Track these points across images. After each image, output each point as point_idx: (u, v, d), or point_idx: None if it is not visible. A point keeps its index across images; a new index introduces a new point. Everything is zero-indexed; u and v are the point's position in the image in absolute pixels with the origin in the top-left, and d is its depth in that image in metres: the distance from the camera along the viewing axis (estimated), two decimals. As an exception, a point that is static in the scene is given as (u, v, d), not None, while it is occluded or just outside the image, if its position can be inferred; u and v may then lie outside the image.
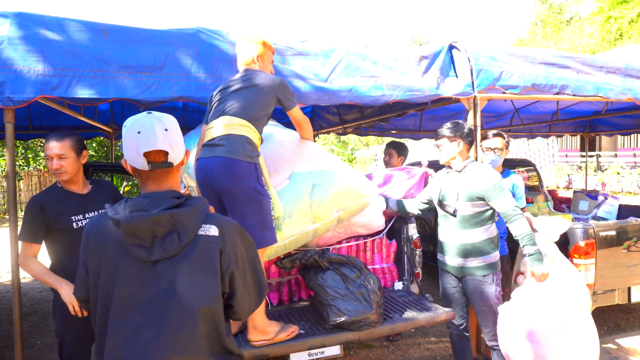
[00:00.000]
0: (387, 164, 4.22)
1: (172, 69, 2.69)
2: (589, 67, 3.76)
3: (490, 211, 2.69)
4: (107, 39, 2.64)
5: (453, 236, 2.74)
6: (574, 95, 3.71)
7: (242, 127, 2.32)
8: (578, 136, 13.59)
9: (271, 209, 2.36)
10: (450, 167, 2.82)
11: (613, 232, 3.49)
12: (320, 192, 2.63)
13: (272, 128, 3.09)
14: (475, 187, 2.63)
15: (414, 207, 3.05)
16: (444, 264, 2.86)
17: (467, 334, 2.90)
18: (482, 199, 2.63)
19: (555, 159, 17.72)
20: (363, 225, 3.08)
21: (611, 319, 4.17)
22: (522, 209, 3.21)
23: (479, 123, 3.40)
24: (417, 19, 74.58)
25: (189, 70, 2.73)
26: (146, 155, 1.31)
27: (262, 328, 2.31)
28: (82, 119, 4.58)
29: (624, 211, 4.65)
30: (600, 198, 4.65)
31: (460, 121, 2.82)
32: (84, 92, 2.52)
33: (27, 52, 2.46)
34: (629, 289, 3.60)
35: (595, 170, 16.29)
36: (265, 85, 2.41)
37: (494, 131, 3.35)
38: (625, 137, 15.67)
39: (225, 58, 2.81)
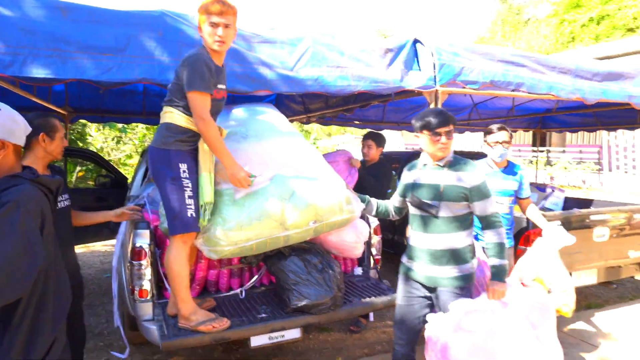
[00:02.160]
0: (366, 155, 4.17)
1: (134, 51, 2.62)
2: (543, 66, 3.96)
3: (471, 215, 2.39)
4: (65, 18, 2.53)
5: (429, 241, 2.35)
6: (528, 92, 3.90)
7: (165, 114, 2.43)
8: (530, 132, 14.18)
9: (190, 196, 2.33)
10: (430, 160, 2.42)
11: (558, 222, 3.73)
12: (299, 199, 2.54)
13: (274, 122, 3.05)
14: (459, 185, 2.30)
15: (393, 211, 2.70)
16: (411, 270, 2.44)
17: (414, 354, 2.50)
18: (466, 200, 2.31)
19: (510, 153, 18.49)
20: (339, 249, 2.99)
21: (554, 304, 4.45)
22: (526, 198, 3.26)
23: (439, 116, 3.52)
24: (382, 12, 75.13)
25: (153, 53, 2.67)
26: None
27: (184, 315, 2.36)
28: (35, 100, 4.37)
29: (569, 203, 4.96)
30: (548, 190, 4.94)
31: (441, 108, 2.54)
32: (39, 72, 2.42)
33: (-23, 28, 2.33)
34: (570, 274, 3.87)
35: (545, 165, 17.14)
36: (178, 65, 2.37)
37: (498, 125, 3.28)
38: (573, 134, 16.55)
39: (190, 42, 2.75)
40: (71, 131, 12.01)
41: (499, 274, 2.27)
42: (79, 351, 2.34)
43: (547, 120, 8.27)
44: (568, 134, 16.96)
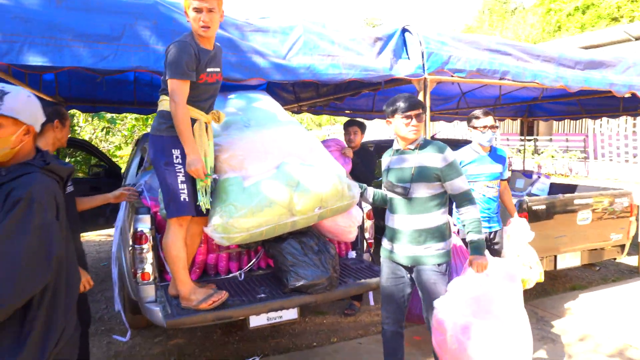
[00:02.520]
0: (352, 141, 4.27)
1: (130, 39, 2.65)
2: (527, 55, 4.06)
3: (446, 195, 2.47)
4: (60, 6, 2.55)
5: (407, 222, 2.43)
6: (513, 80, 3.99)
7: (160, 102, 2.51)
8: (518, 121, 14.41)
9: (183, 181, 2.38)
10: (400, 144, 2.52)
11: (543, 206, 3.87)
12: (305, 186, 2.63)
13: (273, 110, 3.10)
14: (430, 165, 2.38)
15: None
16: (391, 252, 2.52)
17: (402, 330, 2.62)
18: (438, 180, 2.39)
19: (498, 142, 18.73)
20: (333, 232, 3.08)
21: (539, 285, 4.60)
22: (505, 179, 3.38)
23: (428, 104, 3.62)
24: (370, 0, 74.81)
25: (147, 42, 2.71)
26: None
27: (184, 295, 2.45)
28: (27, 89, 4.36)
29: (554, 189, 5.11)
30: (535, 177, 5.09)
31: (411, 94, 2.58)
32: (36, 60, 2.45)
33: (-28, 16, 2.35)
34: (555, 257, 4.03)
35: (532, 153, 17.41)
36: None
37: (483, 110, 3.36)
38: (560, 123, 16.82)
39: (183, 30, 2.76)
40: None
41: (479, 248, 2.37)
42: (85, 331, 2.41)
43: (534, 108, 8.43)
44: (555, 123, 17.29)
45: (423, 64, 3.58)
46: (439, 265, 2.40)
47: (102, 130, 15.22)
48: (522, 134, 17.82)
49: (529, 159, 16.96)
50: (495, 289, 2.33)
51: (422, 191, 2.39)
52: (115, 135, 15.71)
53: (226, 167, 2.62)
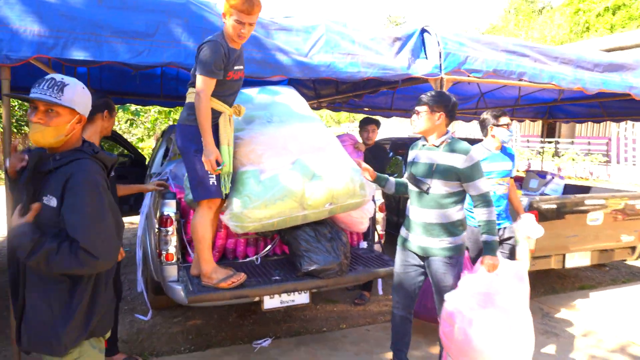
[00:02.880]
0: (369, 139, 4.44)
1: (163, 36, 2.86)
2: (545, 57, 4.12)
3: (463, 193, 2.55)
4: (101, 5, 2.77)
5: (423, 214, 2.55)
6: (530, 82, 4.07)
7: (189, 94, 2.65)
8: (539, 123, 14.28)
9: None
10: (426, 140, 2.63)
11: (554, 206, 3.95)
12: (318, 183, 2.75)
13: (295, 106, 3.23)
14: (451, 165, 2.46)
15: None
16: (407, 241, 2.66)
17: (411, 317, 2.76)
18: (458, 179, 2.47)
19: (518, 144, 18.55)
20: (346, 223, 3.23)
21: (548, 283, 4.69)
22: (514, 177, 3.45)
23: (443, 102, 3.73)
24: (395, -2, 74.23)
25: (179, 39, 2.91)
26: None
27: (206, 273, 2.64)
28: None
29: (568, 190, 5.15)
30: (548, 177, 5.14)
31: (446, 92, 2.66)
32: (79, 54, 2.68)
33: (23, 13, 2.58)
34: (564, 256, 4.10)
35: (552, 156, 17.19)
36: (197, 50, 2.57)
37: (497, 110, 3.41)
38: (583, 126, 16.57)
39: (212, 28, 2.98)
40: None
41: (492, 249, 2.47)
42: (117, 304, 2.64)
43: (554, 110, 8.39)
44: (577, 126, 17.02)
45: (440, 64, 3.69)
46: (450, 257, 2.53)
47: (126, 122, 15.68)
48: (542, 135, 17.63)
49: (549, 162, 16.78)
50: (503, 287, 2.45)
51: (440, 188, 2.50)
52: (139, 128, 16.14)
53: (245, 161, 2.79)
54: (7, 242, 1.62)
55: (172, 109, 14.34)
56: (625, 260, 4.64)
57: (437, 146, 2.55)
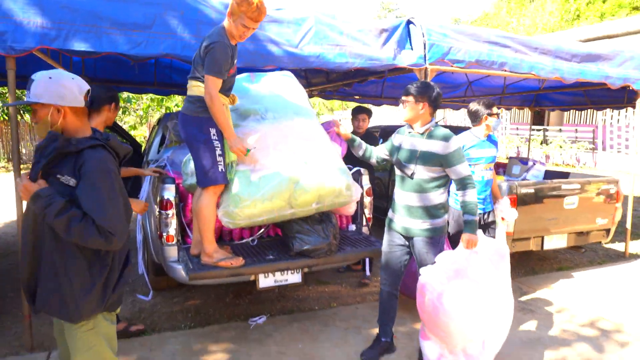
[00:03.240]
0: (360, 127, 4.59)
1: (160, 28, 3.00)
2: (525, 47, 4.31)
3: (446, 177, 2.71)
4: (100, -3, 2.90)
5: (406, 197, 2.74)
6: (511, 71, 4.26)
7: (193, 87, 2.73)
8: (529, 112, 14.56)
9: (220, 154, 2.72)
10: (411, 127, 2.79)
11: (531, 190, 4.17)
12: (306, 184, 2.84)
13: (291, 99, 3.27)
14: (434, 151, 2.64)
15: (374, 160, 3.03)
16: (392, 222, 2.86)
17: (397, 293, 2.94)
18: (440, 165, 2.64)
19: (507, 131, 18.82)
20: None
21: (528, 265, 4.93)
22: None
23: (428, 92, 3.91)
24: (387, -16, 73.57)
25: (175, 30, 3.05)
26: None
27: (208, 252, 2.81)
28: (61, 68, 4.71)
29: (549, 175, 5.38)
30: (530, 163, 5.35)
31: (431, 83, 2.78)
32: (80, 45, 2.81)
33: (26, 5, 2.70)
34: (542, 238, 4.33)
35: (541, 144, 17.49)
36: (202, 46, 2.66)
37: (486, 100, 3.55)
38: (570, 113, 16.84)
39: (208, 21, 3.12)
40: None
41: (472, 227, 2.65)
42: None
43: (540, 98, 8.60)
44: (565, 114, 17.30)
45: (425, 55, 3.86)
46: (431, 238, 2.73)
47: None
48: (530, 123, 17.91)
49: (538, 149, 17.07)
50: (479, 262, 2.63)
51: (423, 173, 2.68)
52: (131, 115, 16.16)
53: (238, 160, 2.85)
54: (26, 205, 1.75)
55: (165, 97, 14.41)
56: (600, 243, 4.89)
57: (421, 134, 2.72)
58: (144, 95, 14.46)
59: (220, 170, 2.70)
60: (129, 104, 15.26)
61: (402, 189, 2.78)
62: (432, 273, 2.57)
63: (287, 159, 2.91)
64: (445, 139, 2.65)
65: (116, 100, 2.84)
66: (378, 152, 3.01)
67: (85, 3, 2.84)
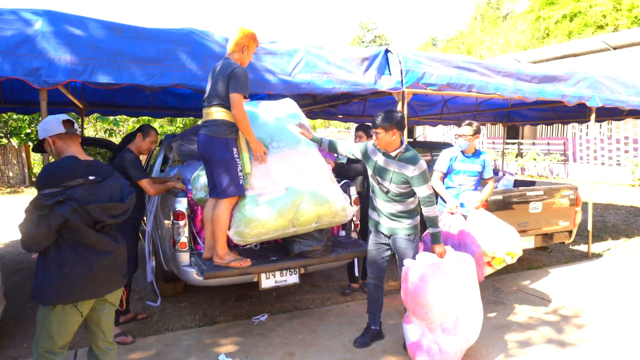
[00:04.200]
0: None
1: (171, 62, 3.44)
2: (490, 71, 4.87)
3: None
4: (119, 36, 3.33)
5: (387, 206, 3.19)
6: (478, 92, 4.82)
7: (216, 112, 3.16)
8: (504, 127, 15.34)
9: (240, 170, 3.17)
10: (384, 149, 3.13)
11: (500, 197, 4.68)
12: (306, 207, 3.21)
13: (293, 130, 3.56)
14: (403, 173, 3.05)
15: (341, 150, 3.47)
16: (379, 224, 3.28)
17: (382, 285, 3.39)
18: (408, 183, 3.07)
19: (484, 146, 19.63)
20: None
21: (502, 265, 5.43)
22: (489, 178, 4.07)
23: (406, 112, 4.42)
24: (365, 5, 75.84)
25: (185, 63, 3.49)
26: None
27: (221, 255, 3.20)
28: (65, 92, 5.04)
29: (517, 184, 5.92)
30: (500, 174, 5.89)
31: (392, 110, 3.13)
32: (103, 78, 3.23)
33: (57, 44, 3.12)
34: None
35: (516, 156, 18.30)
36: (225, 74, 3.11)
37: (467, 121, 4.01)
38: (543, 128, 17.74)
39: (213, 54, 3.58)
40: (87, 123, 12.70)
41: (437, 238, 3.11)
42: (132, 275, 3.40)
43: (512, 114, 9.26)
44: (539, 128, 18.22)
45: (402, 79, 4.38)
46: (409, 235, 3.21)
47: (106, 132, 16.01)
48: (508, 137, 18.76)
49: (513, 162, 17.87)
50: (449, 262, 3.10)
51: (396, 189, 3.13)
52: (117, 137, 16.47)
53: (247, 185, 3.22)
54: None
55: (151, 119, 14.81)
56: (564, 243, 5.41)
57: (394, 157, 3.12)
58: (129, 118, 14.84)
59: (240, 183, 3.15)
60: (116, 126, 15.62)
61: (382, 199, 3.22)
62: (414, 261, 3.03)
63: (290, 184, 3.27)
64: (413, 162, 3.04)
65: (142, 131, 3.59)
66: (349, 148, 3.45)
67: (107, 41, 3.27)
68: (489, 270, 3.81)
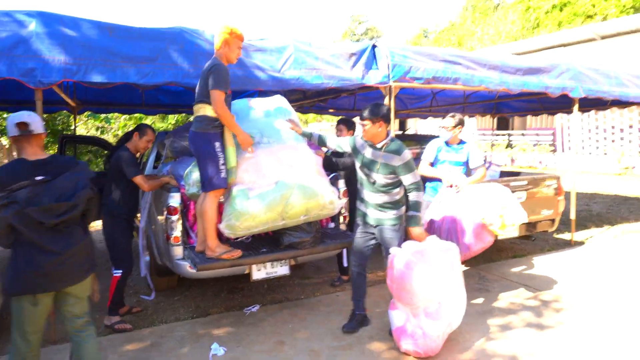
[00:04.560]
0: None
1: (163, 60, 3.53)
2: (475, 64, 5.00)
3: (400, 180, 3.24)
4: (111, 36, 3.42)
5: (374, 197, 3.30)
6: (464, 85, 4.94)
7: (200, 109, 3.29)
8: (494, 118, 15.48)
9: (222, 163, 3.26)
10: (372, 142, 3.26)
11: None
12: (295, 200, 3.31)
13: (283, 126, 3.63)
14: (390, 163, 3.17)
15: (330, 144, 3.60)
16: (366, 215, 3.39)
17: (365, 273, 3.55)
18: (395, 173, 3.18)
19: (475, 137, 19.82)
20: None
21: (487, 255, 5.57)
22: (478, 167, 4.13)
23: (393, 106, 4.54)
24: (357, -4, 75.47)
25: (176, 62, 3.59)
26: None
27: (212, 247, 3.33)
28: (57, 90, 5.09)
29: (503, 175, 6.08)
30: (487, 165, 6.04)
31: (379, 103, 3.27)
32: (97, 77, 3.32)
33: (51, 45, 3.20)
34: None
35: (506, 147, 18.52)
36: (206, 70, 3.23)
37: (451, 113, 4.15)
38: (532, 118, 17.95)
39: (203, 52, 3.67)
40: (57, 122, 12.66)
41: (415, 220, 3.22)
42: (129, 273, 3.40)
43: (500, 106, 9.42)
44: (528, 119, 18.44)
45: (389, 74, 4.49)
46: (394, 225, 3.33)
47: (97, 129, 16.02)
48: (498, 129, 18.97)
49: (504, 152, 18.09)
50: (434, 250, 3.20)
51: (383, 180, 3.24)
52: (107, 134, 16.46)
53: (238, 180, 3.33)
54: None
55: (143, 116, 14.85)
56: (547, 231, 5.59)
57: (380, 148, 3.25)
58: (120, 115, 14.85)
59: (222, 176, 3.24)
60: (107, 124, 15.59)
61: (369, 190, 3.34)
62: (399, 249, 3.17)
63: (279, 178, 3.37)
64: (398, 152, 3.18)
65: (138, 130, 3.72)
66: (337, 141, 3.57)
67: (100, 41, 3.35)
68: (494, 236, 3.85)
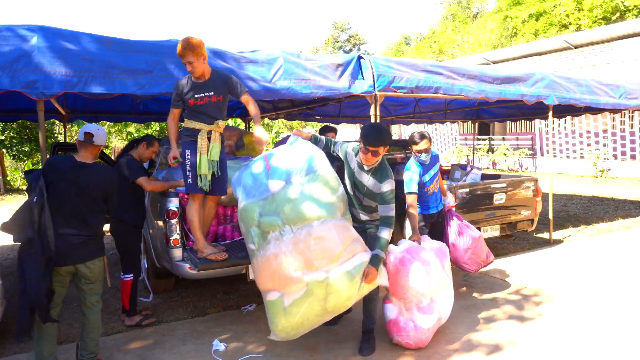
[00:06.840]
0: None
1: (160, 72, 3.69)
2: (455, 74, 5.27)
3: None
4: (110, 49, 3.57)
5: (361, 213, 3.29)
6: (445, 94, 5.21)
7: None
8: (476, 123, 15.89)
9: (189, 170, 3.42)
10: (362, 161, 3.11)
11: (467, 190, 5.09)
12: (334, 293, 2.89)
13: (307, 207, 2.97)
14: (373, 190, 3.12)
15: (324, 147, 3.46)
16: (356, 217, 3.31)
17: None
18: (376, 200, 3.13)
19: (457, 142, 20.28)
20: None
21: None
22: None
23: (378, 113, 4.78)
24: (338, 5, 76.48)
25: (172, 73, 3.75)
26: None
27: (200, 249, 3.55)
28: (51, 100, 5.20)
29: (484, 178, 6.36)
30: (468, 168, 6.32)
31: (384, 128, 3.13)
32: (97, 89, 3.46)
33: (52, 58, 3.34)
34: (479, 229, 5.23)
35: (487, 152, 19.00)
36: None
37: (419, 133, 3.98)
38: (512, 124, 18.49)
39: (198, 64, 3.84)
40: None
41: (378, 261, 2.98)
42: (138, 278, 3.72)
43: (480, 112, 9.77)
44: (508, 124, 18.96)
45: (374, 84, 4.73)
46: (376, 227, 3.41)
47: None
48: (479, 134, 19.46)
49: (485, 157, 18.55)
50: (427, 249, 3.46)
51: (369, 202, 3.24)
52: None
53: (269, 285, 2.95)
54: None
55: (127, 123, 14.91)
56: (527, 231, 5.87)
57: (368, 171, 3.16)
58: (106, 122, 14.86)
59: (188, 182, 3.48)
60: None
61: (357, 207, 3.31)
62: (395, 247, 3.38)
63: (309, 278, 2.88)
64: (381, 180, 3.09)
65: (146, 140, 3.90)
66: (330, 149, 3.52)
67: (99, 54, 3.50)
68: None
